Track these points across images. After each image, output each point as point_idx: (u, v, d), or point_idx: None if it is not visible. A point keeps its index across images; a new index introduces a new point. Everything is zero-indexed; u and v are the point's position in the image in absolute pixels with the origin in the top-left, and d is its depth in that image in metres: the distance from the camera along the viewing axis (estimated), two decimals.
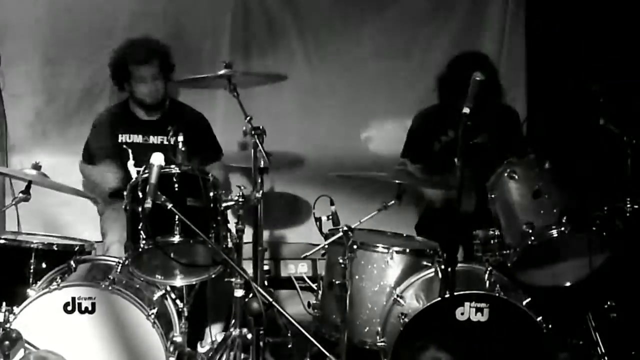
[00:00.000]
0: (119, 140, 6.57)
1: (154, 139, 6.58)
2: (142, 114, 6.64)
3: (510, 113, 6.76)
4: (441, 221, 4.70)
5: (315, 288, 6.03)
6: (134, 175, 5.71)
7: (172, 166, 5.49)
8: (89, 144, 6.71)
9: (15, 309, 5.34)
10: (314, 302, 5.95)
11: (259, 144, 5.51)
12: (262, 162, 5.54)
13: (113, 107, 6.83)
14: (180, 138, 5.74)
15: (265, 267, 5.82)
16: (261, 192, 5.56)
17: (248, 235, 5.64)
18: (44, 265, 5.72)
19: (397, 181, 5.88)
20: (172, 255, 5.55)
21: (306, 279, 6.23)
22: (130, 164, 6.25)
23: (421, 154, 6.64)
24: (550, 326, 5.60)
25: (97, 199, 6.69)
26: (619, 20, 7.00)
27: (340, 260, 5.58)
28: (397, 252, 5.76)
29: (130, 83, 6.55)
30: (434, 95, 6.63)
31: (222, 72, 5.73)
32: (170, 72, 6.59)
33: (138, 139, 6.59)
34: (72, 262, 5.70)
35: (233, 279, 5.51)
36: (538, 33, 7.40)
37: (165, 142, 6.46)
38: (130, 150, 6.37)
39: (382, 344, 5.58)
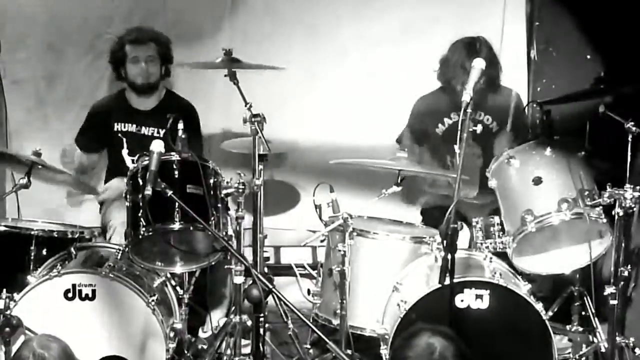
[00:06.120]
0: (115, 129, 6.58)
1: (145, 130, 6.59)
2: (137, 102, 6.62)
3: (510, 95, 6.75)
4: (446, 208, 4.70)
5: (315, 275, 6.05)
6: (128, 163, 5.72)
7: (172, 153, 5.50)
8: (84, 131, 6.72)
9: (16, 296, 5.37)
10: (314, 289, 5.96)
11: (259, 131, 5.52)
12: (261, 149, 5.55)
13: (108, 97, 6.87)
14: (180, 126, 5.74)
15: (265, 254, 5.83)
16: (261, 179, 5.57)
17: (248, 222, 5.65)
18: (44, 252, 5.74)
19: (397, 168, 5.89)
20: (172, 242, 5.56)
21: (306, 266, 6.24)
22: (125, 152, 6.26)
23: (422, 138, 6.63)
24: (550, 313, 5.61)
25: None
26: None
27: (340, 248, 5.59)
28: (396, 239, 5.78)
29: (125, 65, 6.55)
30: (435, 80, 6.62)
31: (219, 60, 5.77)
32: (168, 62, 6.59)
33: (132, 128, 6.59)
34: (72, 249, 5.73)
35: (233, 266, 5.52)
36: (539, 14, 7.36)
37: (156, 135, 6.46)
38: (124, 139, 6.40)
39: (382, 330, 5.58)
